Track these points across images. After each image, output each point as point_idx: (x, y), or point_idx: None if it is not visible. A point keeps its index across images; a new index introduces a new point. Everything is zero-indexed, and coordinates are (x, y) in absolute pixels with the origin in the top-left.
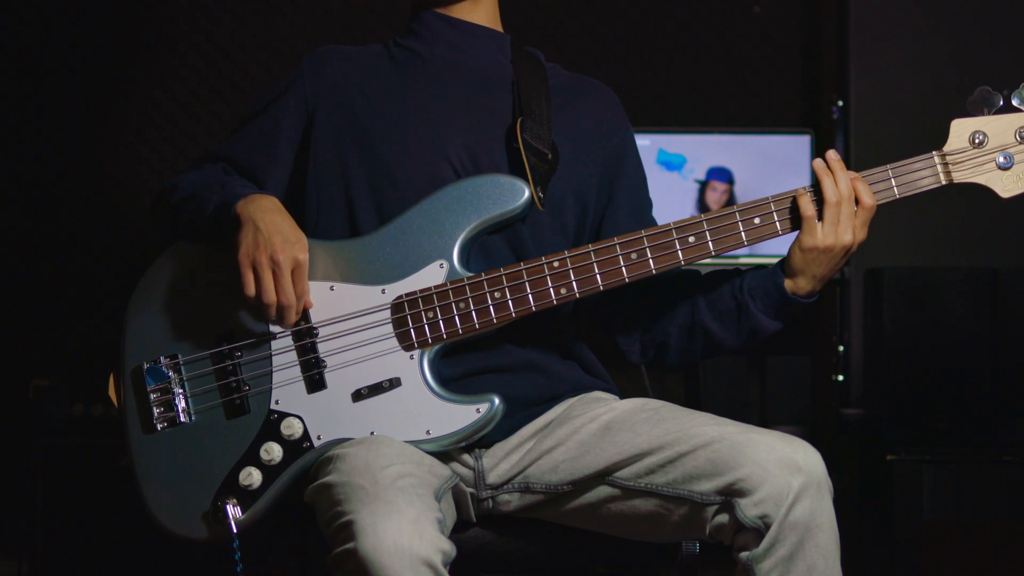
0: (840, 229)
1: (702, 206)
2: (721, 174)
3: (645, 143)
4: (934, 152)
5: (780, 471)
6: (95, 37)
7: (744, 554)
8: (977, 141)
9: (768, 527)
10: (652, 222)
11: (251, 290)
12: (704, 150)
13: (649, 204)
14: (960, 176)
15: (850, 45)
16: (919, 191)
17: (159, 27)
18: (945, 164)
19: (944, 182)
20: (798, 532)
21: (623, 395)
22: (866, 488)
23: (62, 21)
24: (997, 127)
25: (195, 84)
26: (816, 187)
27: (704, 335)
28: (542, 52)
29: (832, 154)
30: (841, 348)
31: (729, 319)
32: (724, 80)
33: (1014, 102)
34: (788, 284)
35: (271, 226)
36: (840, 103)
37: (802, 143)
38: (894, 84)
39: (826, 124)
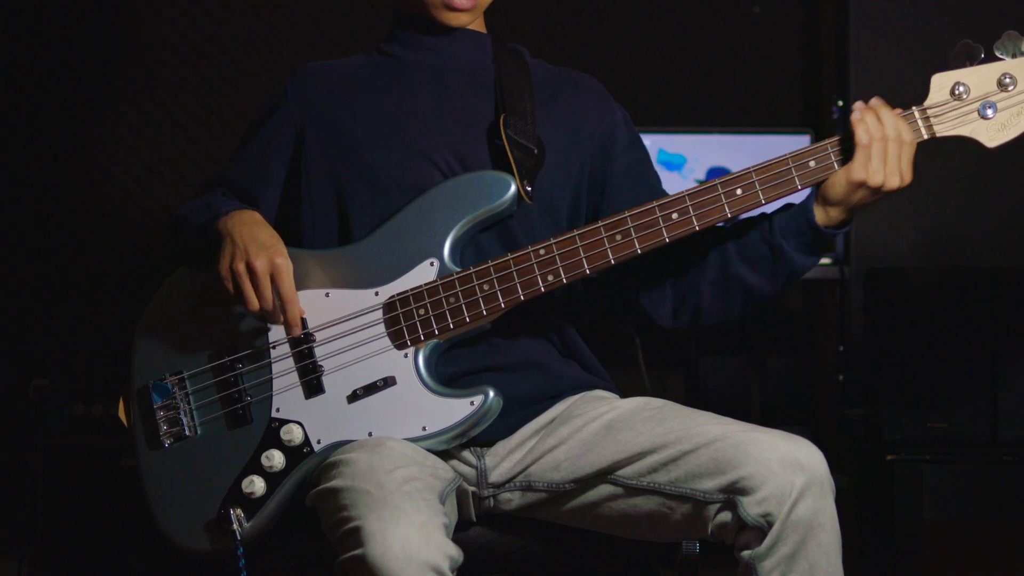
0: (889, 168)
1: None
2: (721, 174)
3: (645, 143)
4: (914, 107)
5: (783, 470)
6: (97, 37)
7: (746, 553)
8: (958, 93)
9: (770, 526)
10: (662, 193)
11: (233, 299)
12: (704, 150)
13: (655, 177)
14: (943, 129)
15: (850, 45)
16: None
17: (161, 27)
18: (927, 118)
19: (926, 136)
20: (800, 531)
21: (623, 394)
22: (866, 488)
23: (60, 23)
24: (978, 77)
25: (197, 85)
26: (844, 139)
27: (741, 287)
28: (531, 49)
29: (874, 100)
30: (841, 348)
31: (764, 265)
32: (724, 80)
33: (996, 53)
34: (820, 216)
35: (246, 236)
36: (840, 103)
37: (802, 143)
38: (894, 84)
39: (826, 124)
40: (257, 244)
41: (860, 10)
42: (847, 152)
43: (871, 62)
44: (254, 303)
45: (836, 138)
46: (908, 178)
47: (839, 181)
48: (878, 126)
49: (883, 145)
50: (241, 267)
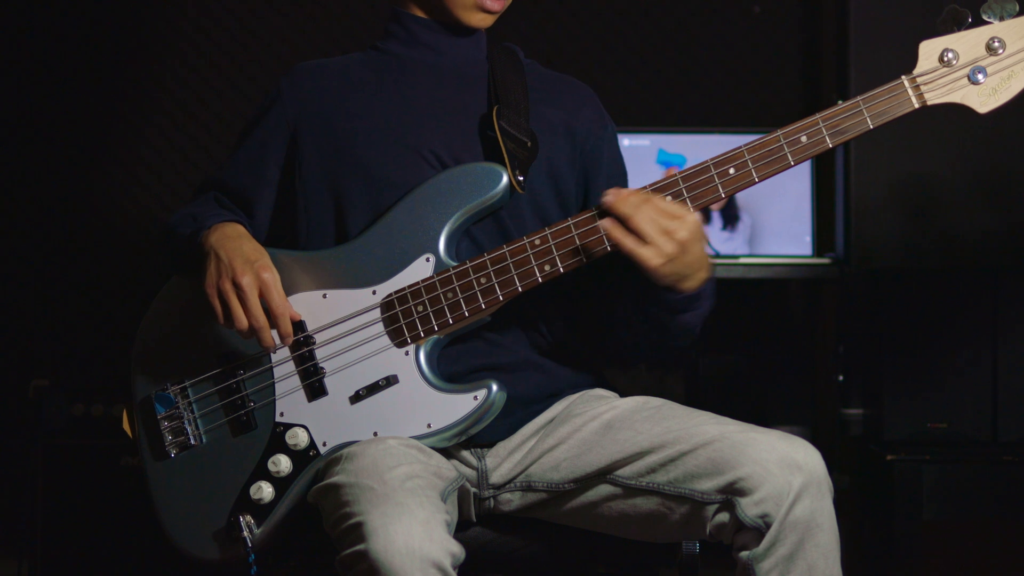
0: (664, 240)
1: None
2: None
3: (645, 143)
4: (903, 76)
5: (781, 470)
6: (98, 39)
7: (744, 553)
8: (947, 59)
9: (768, 526)
10: None
11: (221, 318)
12: (704, 150)
13: None
14: (933, 97)
15: (850, 45)
16: (893, 118)
17: (159, 29)
18: (916, 87)
19: (917, 105)
20: (798, 531)
21: (623, 394)
22: (866, 488)
23: (60, 24)
24: (967, 42)
25: (196, 84)
26: (833, 113)
27: (656, 344)
28: (530, 49)
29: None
30: (841, 348)
31: (660, 331)
32: (724, 80)
33: (984, 16)
34: (673, 291)
35: (231, 252)
36: (840, 103)
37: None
38: None
39: None
40: (242, 259)
41: (860, 10)
42: (839, 126)
43: (871, 62)
44: (243, 322)
45: (828, 111)
46: (682, 229)
47: (647, 274)
48: (622, 218)
49: (641, 228)
50: (227, 285)
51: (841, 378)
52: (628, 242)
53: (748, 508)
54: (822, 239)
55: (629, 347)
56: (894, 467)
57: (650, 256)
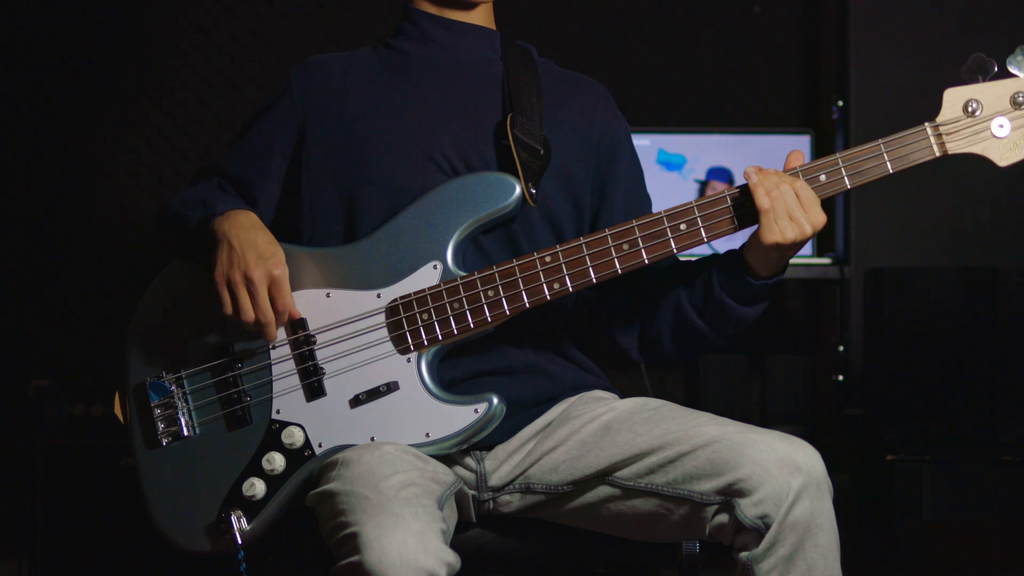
0: (796, 222)
1: None
2: (721, 174)
3: (645, 143)
4: (926, 123)
5: (780, 471)
6: (98, 38)
7: (744, 554)
8: (971, 109)
9: (768, 527)
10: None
11: (228, 309)
12: (704, 150)
13: (646, 201)
14: (955, 147)
15: (850, 45)
16: (913, 164)
17: (159, 29)
18: (939, 135)
19: (938, 154)
20: (798, 532)
21: (623, 395)
22: (866, 488)
23: (62, 22)
24: (992, 94)
25: (196, 84)
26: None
27: (695, 334)
28: (535, 48)
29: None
30: (841, 348)
31: (711, 316)
32: (724, 80)
33: (1009, 68)
34: (753, 274)
35: (245, 243)
36: (840, 103)
37: (802, 143)
38: (894, 84)
39: (826, 124)
40: (255, 253)
41: (860, 10)
42: (858, 167)
43: (871, 62)
44: (250, 315)
45: (847, 152)
46: (820, 220)
47: (755, 245)
48: (776, 181)
49: (784, 201)
50: (238, 277)
51: (841, 378)
52: (764, 201)
53: (747, 509)
54: (822, 239)
55: (666, 341)
56: (894, 467)
57: (769, 226)
